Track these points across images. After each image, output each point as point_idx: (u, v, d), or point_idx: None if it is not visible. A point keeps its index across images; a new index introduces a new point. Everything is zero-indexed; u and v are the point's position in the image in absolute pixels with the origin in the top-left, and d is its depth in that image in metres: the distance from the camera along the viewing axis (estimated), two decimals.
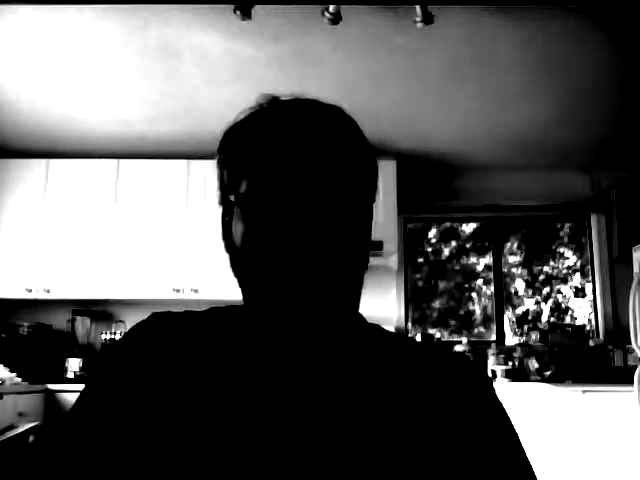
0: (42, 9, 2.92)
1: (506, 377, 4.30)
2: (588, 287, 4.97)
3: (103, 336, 4.43)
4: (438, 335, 4.90)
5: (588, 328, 4.84)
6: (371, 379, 0.68)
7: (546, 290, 5.15)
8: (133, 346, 0.70)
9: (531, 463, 0.68)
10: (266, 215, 0.65)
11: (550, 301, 5.14)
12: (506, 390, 3.89)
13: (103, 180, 4.46)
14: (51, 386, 3.92)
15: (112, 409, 0.66)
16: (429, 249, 5.22)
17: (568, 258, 5.20)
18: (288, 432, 0.63)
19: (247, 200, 0.66)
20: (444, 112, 3.98)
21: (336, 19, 2.87)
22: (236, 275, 0.70)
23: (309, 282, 0.64)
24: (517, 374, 4.39)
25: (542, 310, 5.11)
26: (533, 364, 4.40)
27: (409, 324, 4.85)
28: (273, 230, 0.64)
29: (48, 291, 4.31)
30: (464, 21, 3.00)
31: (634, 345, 3.88)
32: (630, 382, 3.74)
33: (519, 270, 5.17)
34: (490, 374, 4.29)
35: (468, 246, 5.20)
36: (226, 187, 0.70)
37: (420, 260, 5.18)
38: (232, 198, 0.69)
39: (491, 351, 4.48)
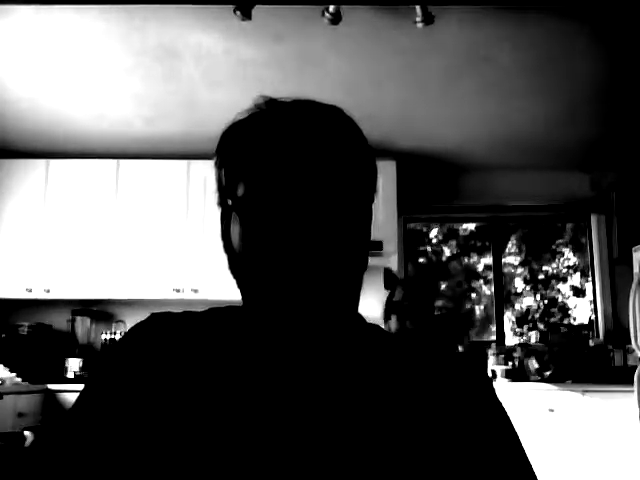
0: (42, 9, 2.92)
1: (506, 377, 4.30)
2: (588, 287, 4.96)
3: (103, 336, 4.43)
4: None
5: (588, 328, 4.83)
6: (371, 379, 0.68)
7: (546, 290, 5.15)
8: (132, 347, 0.70)
9: (531, 463, 0.68)
10: (264, 218, 0.64)
11: (550, 301, 5.14)
12: (506, 390, 3.89)
13: (103, 180, 4.46)
14: (51, 386, 3.92)
15: (111, 409, 0.66)
16: (429, 249, 5.22)
17: (569, 258, 5.20)
18: (288, 432, 0.63)
19: (244, 204, 0.66)
20: (444, 112, 3.98)
21: (336, 19, 2.87)
22: (235, 276, 0.70)
23: (308, 283, 0.64)
24: (517, 374, 4.39)
25: (542, 310, 5.11)
26: (533, 364, 4.40)
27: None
28: (271, 232, 0.64)
29: (48, 291, 4.31)
30: (464, 21, 2.99)
31: (634, 345, 3.88)
32: (630, 382, 3.74)
33: (519, 270, 5.17)
34: (490, 374, 4.29)
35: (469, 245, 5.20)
36: (224, 189, 0.70)
37: (421, 260, 5.18)
38: (230, 202, 0.69)
39: (491, 351, 4.48)
